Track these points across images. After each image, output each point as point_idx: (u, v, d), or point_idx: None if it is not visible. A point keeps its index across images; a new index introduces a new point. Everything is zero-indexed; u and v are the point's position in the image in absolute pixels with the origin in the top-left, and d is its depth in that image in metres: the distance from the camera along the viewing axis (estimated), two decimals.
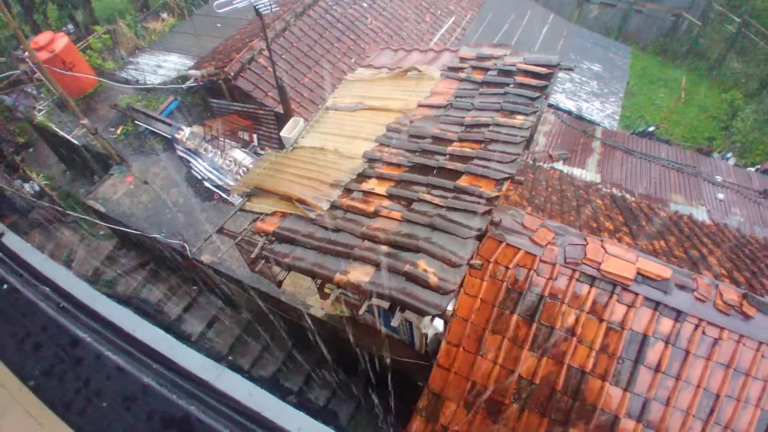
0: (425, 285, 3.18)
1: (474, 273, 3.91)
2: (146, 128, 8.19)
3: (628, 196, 8.37)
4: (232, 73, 7.17)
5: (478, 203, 3.55)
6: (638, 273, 3.68)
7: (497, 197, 3.57)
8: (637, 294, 3.60)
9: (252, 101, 7.56)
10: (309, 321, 6.16)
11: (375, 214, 3.86)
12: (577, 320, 3.58)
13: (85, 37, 12.32)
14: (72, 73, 9.08)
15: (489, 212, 3.55)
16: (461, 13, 11.74)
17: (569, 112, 12.12)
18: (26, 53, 7.58)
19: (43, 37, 9.30)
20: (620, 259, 3.79)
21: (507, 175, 3.74)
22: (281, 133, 7.21)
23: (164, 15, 13.16)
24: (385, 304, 3.80)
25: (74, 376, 0.57)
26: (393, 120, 5.07)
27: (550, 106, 11.84)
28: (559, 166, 9.30)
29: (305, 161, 4.91)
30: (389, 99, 5.45)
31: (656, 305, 3.55)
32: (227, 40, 9.45)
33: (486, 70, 5.36)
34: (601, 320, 3.57)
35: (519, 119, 4.48)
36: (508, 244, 4.01)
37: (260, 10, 5.59)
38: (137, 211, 7.41)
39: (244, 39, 8.54)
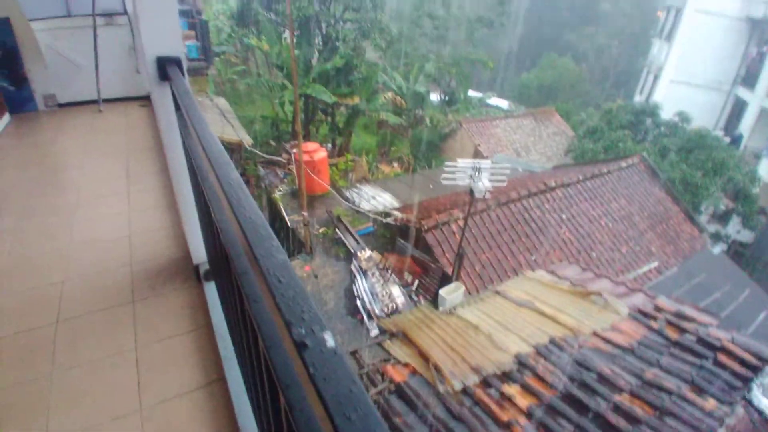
0: None
1: None
2: (341, 237, 9.79)
3: None
4: (426, 227, 8.19)
5: None
6: None
7: None
8: None
9: (430, 254, 8.32)
10: None
11: (506, 427, 3.48)
12: None
13: (335, 156, 16.19)
14: (315, 178, 11.83)
15: None
16: (664, 259, 11.05)
17: (761, 413, 9.18)
18: (294, 150, 10.12)
19: (311, 145, 12.65)
20: None
21: None
22: (440, 291, 7.55)
23: (395, 164, 16.45)
24: None
25: None
26: (560, 334, 4.80)
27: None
28: None
29: (456, 331, 4.95)
30: (562, 312, 5.25)
31: None
32: (433, 200, 11.02)
33: (683, 330, 4.78)
34: None
35: (711, 403, 3.70)
36: None
37: (475, 193, 6.49)
38: None
39: (446, 204, 9.83)
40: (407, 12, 19.46)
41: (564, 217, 10.76)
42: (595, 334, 4.74)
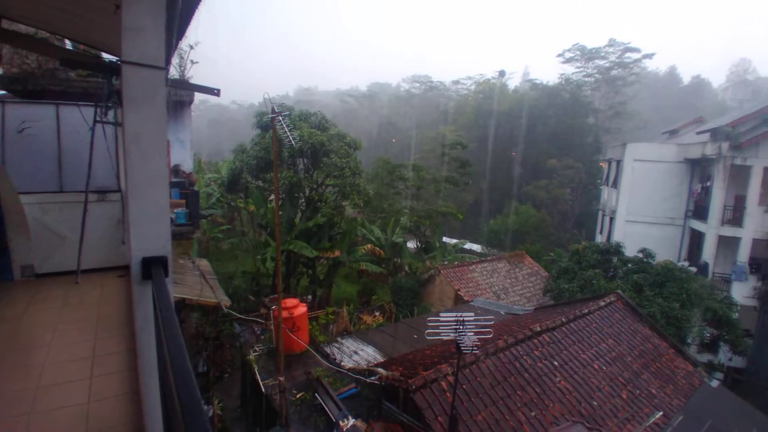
0: None
1: None
2: (321, 403, 8.87)
3: None
4: (414, 387, 7.60)
5: None
6: None
7: None
8: None
9: (420, 419, 7.52)
10: None
11: None
12: None
13: (316, 308, 15.85)
14: (293, 336, 11.33)
15: None
16: (666, 401, 10.35)
17: None
18: (273, 306, 9.82)
19: (291, 302, 12.32)
20: None
21: None
22: None
23: (377, 313, 16.16)
24: None
25: None
26: None
27: None
28: None
29: None
30: None
31: None
32: (418, 351, 10.52)
33: None
34: None
35: None
36: None
37: (461, 348, 6.28)
38: None
39: (433, 358, 9.37)
40: (382, 174, 21.84)
41: (556, 363, 10.33)
42: None
